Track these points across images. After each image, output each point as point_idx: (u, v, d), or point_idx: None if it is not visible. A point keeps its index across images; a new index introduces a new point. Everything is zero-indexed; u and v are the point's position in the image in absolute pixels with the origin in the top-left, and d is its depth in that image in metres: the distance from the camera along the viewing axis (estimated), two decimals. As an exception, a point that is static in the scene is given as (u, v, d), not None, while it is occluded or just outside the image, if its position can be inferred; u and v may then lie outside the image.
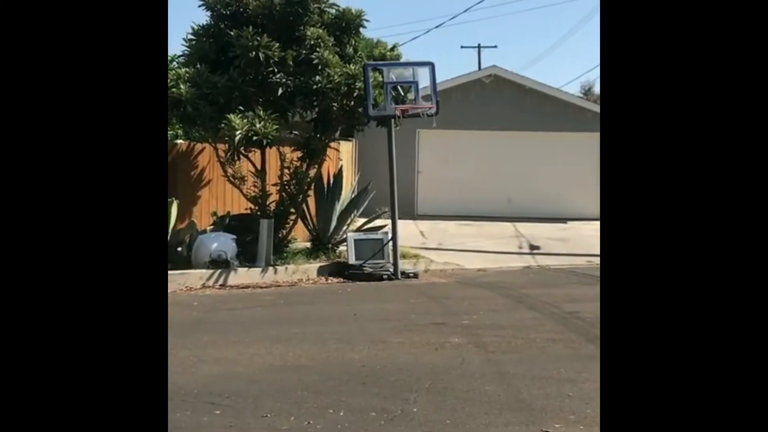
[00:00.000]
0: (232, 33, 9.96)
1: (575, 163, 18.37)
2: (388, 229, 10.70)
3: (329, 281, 9.89)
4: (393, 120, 10.49)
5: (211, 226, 10.79)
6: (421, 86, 10.64)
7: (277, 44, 9.94)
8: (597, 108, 20.68)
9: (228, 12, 10.39)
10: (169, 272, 8.10)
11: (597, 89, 55.80)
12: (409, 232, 14.06)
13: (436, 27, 57.81)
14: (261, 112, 9.71)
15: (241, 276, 9.56)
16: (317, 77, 10.05)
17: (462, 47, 52.87)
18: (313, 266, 10.27)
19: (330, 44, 10.30)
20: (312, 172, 11.10)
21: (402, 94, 10.72)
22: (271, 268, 9.88)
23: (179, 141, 12.00)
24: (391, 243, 10.32)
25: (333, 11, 10.68)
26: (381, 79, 10.36)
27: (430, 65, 10.59)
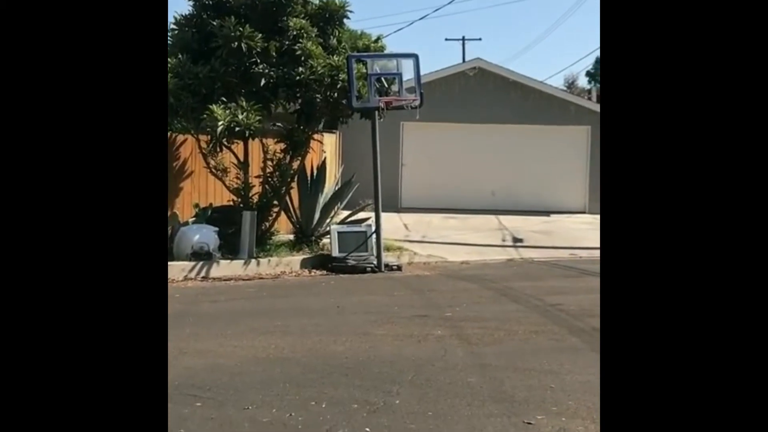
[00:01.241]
0: (214, 23, 9.88)
1: (558, 157, 18.44)
2: (372, 221, 10.68)
3: (312, 274, 9.86)
4: (377, 112, 10.45)
5: (193, 218, 10.72)
6: (405, 78, 10.60)
7: (260, 35, 9.87)
8: (580, 101, 20.72)
9: (210, 2, 10.31)
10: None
11: (580, 82, 56.05)
12: (392, 224, 14.06)
13: (421, 19, 57.87)
14: (244, 103, 9.64)
15: (224, 268, 9.51)
16: (300, 68, 10.00)
17: (446, 40, 52.64)
18: (297, 258, 10.24)
19: (313, 35, 10.24)
20: (295, 164, 11.05)
21: (386, 86, 10.68)
22: (253, 260, 9.83)
23: (161, 132, 11.89)
24: (374, 235, 10.30)
25: (316, 2, 10.62)
26: (365, 70, 10.32)
27: (414, 57, 10.56)
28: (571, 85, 50.18)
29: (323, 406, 4.21)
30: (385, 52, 11.25)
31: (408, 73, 10.62)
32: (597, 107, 20.40)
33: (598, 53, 50.01)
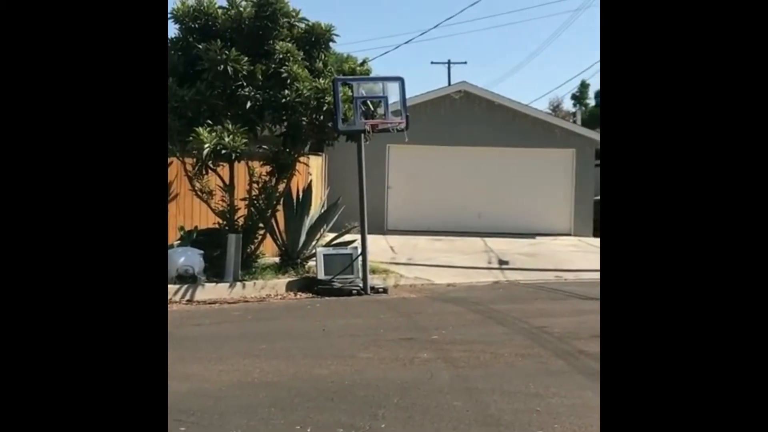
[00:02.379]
0: (200, 46, 9.90)
1: (544, 179, 18.53)
2: (358, 244, 10.66)
3: (298, 296, 9.82)
4: (362, 135, 10.48)
5: (178, 241, 10.67)
6: (390, 101, 10.64)
7: (246, 58, 9.90)
8: (565, 124, 20.85)
9: (197, 25, 10.34)
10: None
11: (565, 105, 56.41)
12: (378, 247, 14.04)
13: (406, 43, 58.44)
14: (230, 126, 9.65)
15: (209, 291, 9.46)
16: (286, 91, 10.03)
17: (432, 63, 53.08)
18: (282, 281, 10.20)
19: (299, 58, 10.29)
20: (281, 187, 11.05)
21: (372, 108, 10.71)
22: (239, 283, 9.78)
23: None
24: (360, 258, 10.28)
25: (302, 26, 10.68)
26: (351, 93, 10.36)
27: (400, 80, 10.61)
28: (556, 109, 50.55)
29: (309, 430, 4.17)
30: (371, 75, 11.31)
31: (394, 96, 10.66)
32: (582, 130, 20.53)
33: (582, 77, 50.55)
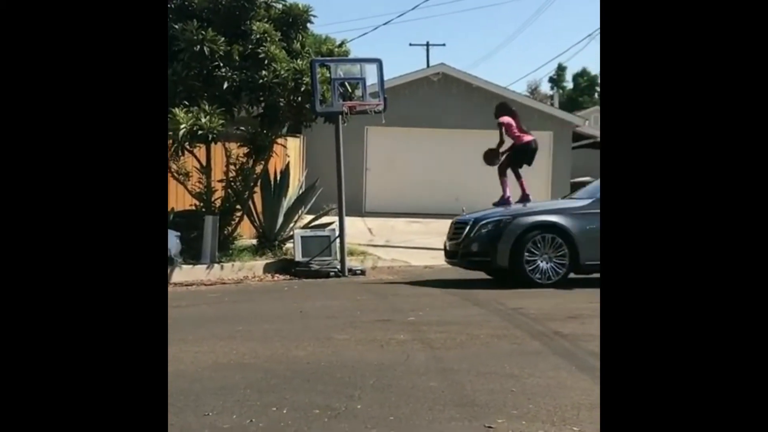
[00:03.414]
0: (176, 26, 9.80)
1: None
2: (336, 226, 10.66)
3: (275, 278, 9.81)
4: (340, 117, 10.45)
5: (155, 223, 10.60)
6: (369, 83, 10.62)
7: (223, 38, 9.82)
8: (543, 107, 20.91)
9: (172, 5, 10.23)
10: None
11: (543, 88, 56.58)
12: (356, 229, 14.05)
13: (384, 24, 58.22)
14: (206, 107, 9.58)
15: (186, 273, 9.43)
16: (264, 72, 9.97)
17: (410, 45, 53.01)
18: (260, 263, 10.18)
19: (276, 39, 10.22)
20: (258, 169, 11.01)
21: (350, 90, 10.68)
22: (216, 265, 9.76)
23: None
24: (338, 240, 10.29)
25: (280, 6, 10.60)
26: (328, 75, 10.31)
27: (378, 62, 10.58)
28: (534, 91, 50.68)
29: (284, 411, 4.18)
30: (349, 56, 11.26)
31: (372, 78, 10.64)
32: (559, 113, 20.58)
33: (559, 60, 50.66)
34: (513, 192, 10.81)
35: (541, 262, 8.76)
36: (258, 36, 10.08)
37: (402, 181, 18.55)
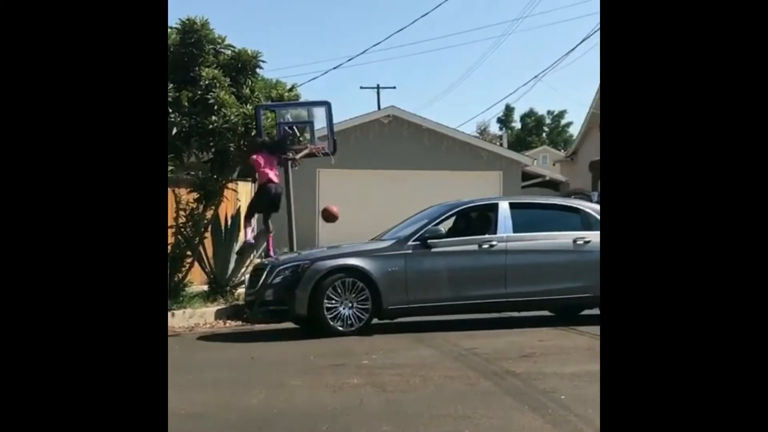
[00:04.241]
0: (124, 73, 9.75)
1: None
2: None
3: (227, 324, 9.70)
4: (289, 160, 10.48)
5: (104, 271, 10.42)
6: (317, 126, 10.69)
7: (172, 85, 9.81)
8: (492, 147, 21.23)
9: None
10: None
11: (492, 129, 57.43)
12: (309, 272, 13.94)
13: (334, 68, 58.92)
14: (155, 153, 9.51)
15: (135, 321, 9.25)
16: (213, 117, 9.97)
17: (361, 88, 53.36)
18: (211, 310, 10.06)
19: (226, 85, 10.25)
20: (209, 214, 10.94)
21: (298, 134, 10.74)
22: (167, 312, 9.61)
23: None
24: (290, 284, 10.19)
25: (228, 52, 10.65)
26: (277, 120, 10.36)
27: (327, 105, 10.67)
28: (483, 132, 51.38)
29: (236, 461, 4.12)
30: (300, 100, 11.34)
31: (320, 121, 10.72)
32: (508, 153, 20.91)
33: (507, 101, 51.57)
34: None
35: (343, 308, 8.35)
36: (207, 82, 10.10)
37: (355, 222, 18.55)
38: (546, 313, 9.79)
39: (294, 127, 10.62)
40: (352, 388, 5.74)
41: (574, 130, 50.98)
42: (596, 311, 8.82)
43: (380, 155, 18.60)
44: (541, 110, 65.49)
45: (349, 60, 75.23)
